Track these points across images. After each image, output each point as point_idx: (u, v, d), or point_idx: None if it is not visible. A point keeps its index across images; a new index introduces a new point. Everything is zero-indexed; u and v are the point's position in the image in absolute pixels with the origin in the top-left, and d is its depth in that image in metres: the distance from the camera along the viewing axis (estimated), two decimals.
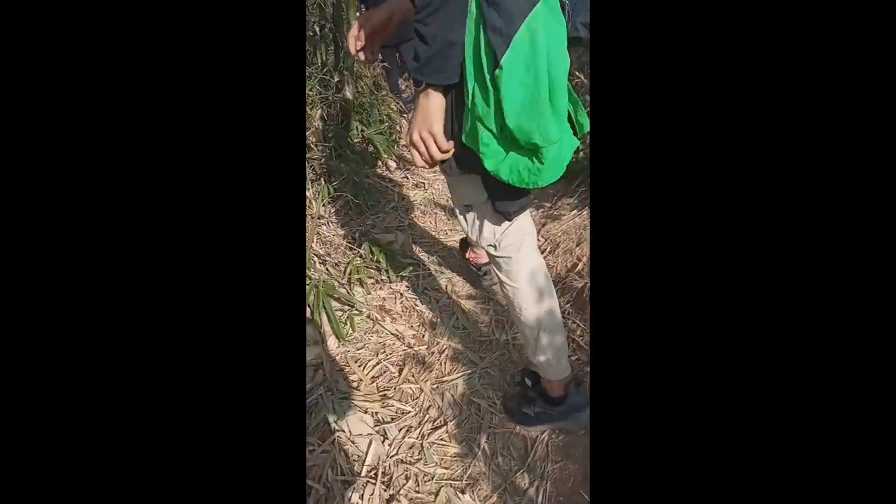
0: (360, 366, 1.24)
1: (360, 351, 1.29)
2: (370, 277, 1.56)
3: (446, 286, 1.56)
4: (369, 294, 1.51)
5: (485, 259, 1.48)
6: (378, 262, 1.60)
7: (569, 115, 0.69)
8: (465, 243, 1.51)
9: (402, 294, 1.52)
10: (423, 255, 1.69)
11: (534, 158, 0.66)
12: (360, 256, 1.61)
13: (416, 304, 1.49)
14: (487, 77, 0.61)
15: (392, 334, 1.36)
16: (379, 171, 2.14)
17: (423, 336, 1.37)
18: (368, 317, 1.41)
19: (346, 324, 1.34)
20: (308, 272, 1.40)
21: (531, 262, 0.85)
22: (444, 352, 1.31)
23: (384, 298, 1.50)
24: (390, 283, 1.56)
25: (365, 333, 1.35)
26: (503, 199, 0.76)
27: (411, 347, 1.32)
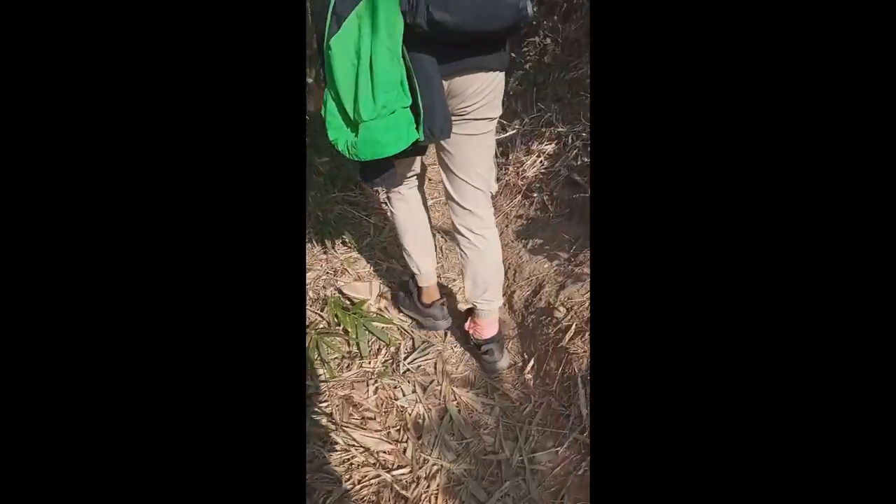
0: None
1: (311, 481, 0.90)
2: (334, 352, 1.16)
3: (436, 365, 1.18)
4: (333, 377, 1.11)
5: (488, 334, 1.11)
6: (346, 330, 1.20)
7: (416, 111, 0.76)
8: (470, 311, 1.15)
9: (375, 378, 1.13)
10: (406, 319, 1.30)
11: (355, 133, 0.76)
12: (323, 320, 1.21)
13: (394, 395, 1.10)
14: (326, 54, 0.73)
15: (360, 447, 0.97)
16: (350, 195, 1.72)
17: (405, 451, 0.98)
18: (330, 418, 1.02)
19: None
20: None
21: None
22: (433, 477, 0.94)
23: (352, 385, 1.11)
24: (361, 360, 1.17)
25: (324, 446, 0.96)
26: (364, 170, 0.88)
27: (387, 471, 0.94)
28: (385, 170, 0.86)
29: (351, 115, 0.74)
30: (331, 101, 0.76)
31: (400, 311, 1.30)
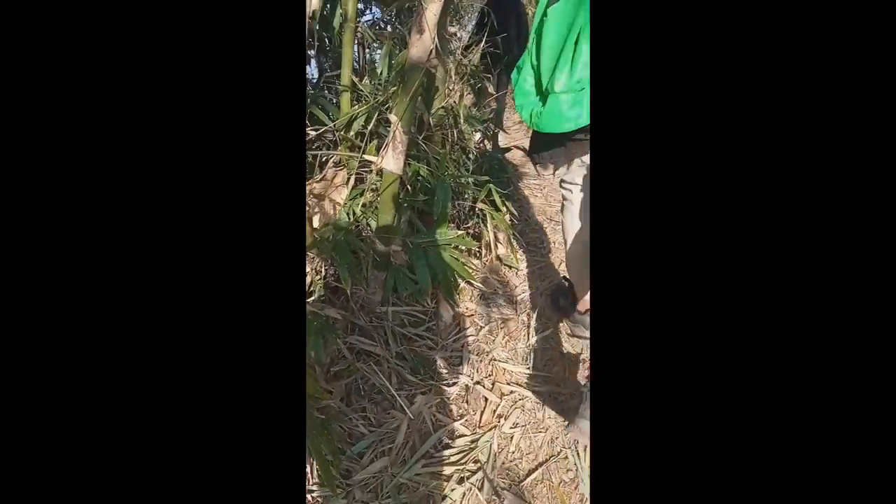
0: None
1: None
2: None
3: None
4: None
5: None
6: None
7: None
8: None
9: None
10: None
11: (543, 103, 0.79)
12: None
13: None
14: (538, 21, 0.77)
15: None
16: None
17: None
18: None
19: None
20: None
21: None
22: None
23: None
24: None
25: None
26: (534, 144, 0.94)
27: None
28: (555, 146, 0.86)
29: (544, 85, 0.76)
30: (528, 66, 0.79)
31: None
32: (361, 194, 1.45)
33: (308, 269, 1.33)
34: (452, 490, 1.14)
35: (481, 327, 1.55)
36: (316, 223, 1.37)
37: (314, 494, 1.06)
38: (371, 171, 1.45)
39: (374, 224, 1.43)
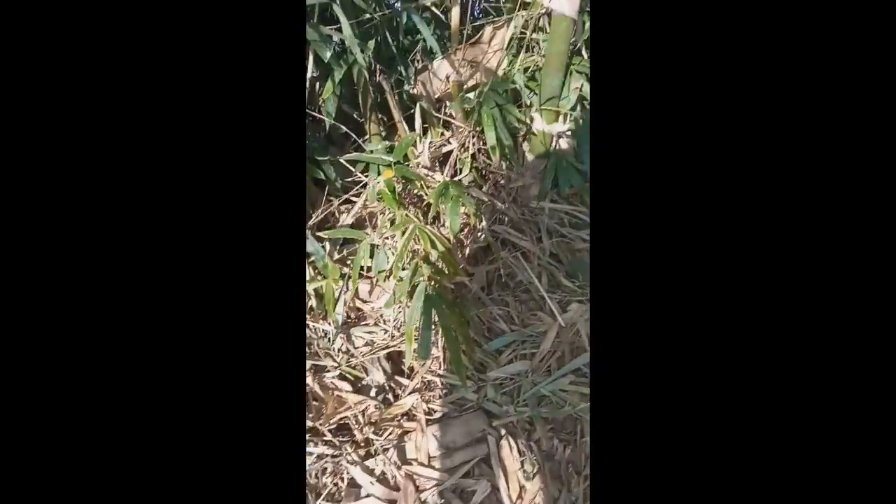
0: None
1: None
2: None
3: None
4: None
5: None
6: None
7: None
8: None
9: None
10: None
11: None
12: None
13: None
14: None
15: None
16: None
17: None
18: None
19: None
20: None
21: None
22: None
23: None
24: None
25: None
26: None
27: None
28: None
29: None
30: None
31: None
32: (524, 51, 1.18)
33: (454, 144, 1.16)
34: None
35: None
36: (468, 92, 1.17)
37: (441, 381, 0.94)
38: (539, 28, 1.16)
39: (536, 96, 1.16)
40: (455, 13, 1.15)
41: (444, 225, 1.04)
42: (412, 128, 1.19)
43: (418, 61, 1.24)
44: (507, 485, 0.81)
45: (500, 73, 1.19)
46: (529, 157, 1.25)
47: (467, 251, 1.08)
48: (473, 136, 1.18)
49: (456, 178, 1.16)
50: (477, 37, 1.21)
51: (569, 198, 1.26)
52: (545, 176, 1.22)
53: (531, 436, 0.87)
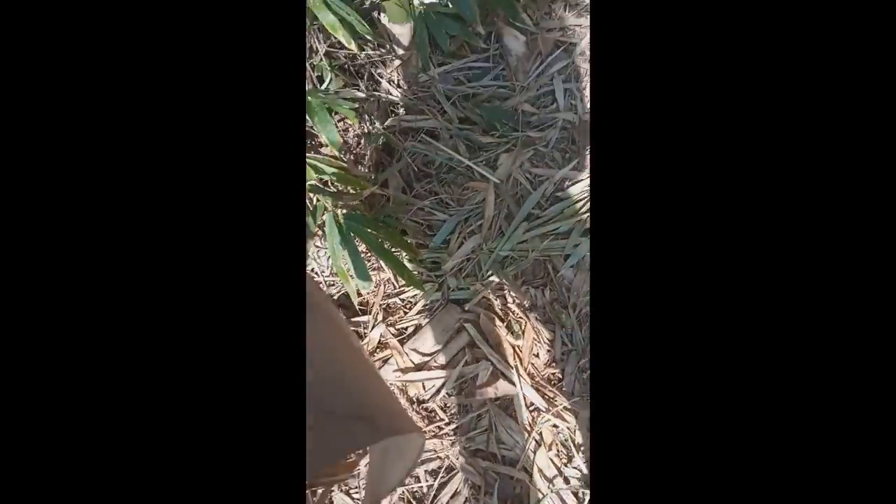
0: None
1: None
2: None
3: None
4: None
5: None
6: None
7: None
8: None
9: None
10: None
11: None
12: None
13: None
14: None
15: None
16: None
17: None
18: None
19: None
20: None
21: None
22: None
23: None
24: None
25: None
26: None
27: None
28: None
29: None
30: None
31: None
32: None
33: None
34: (577, 245, 0.82)
35: (573, 45, 1.04)
36: None
37: (405, 295, 0.87)
38: None
39: None
40: None
41: (325, 145, 0.92)
42: None
43: None
44: (503, 355, 0.77)
45: None
46: (394, 28, 1.08)
47: (367, 160, 0.96)
48: (320, 32, 1.00)
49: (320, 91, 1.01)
50: None
51: (456, 51, 1.10)
52: (418, 40, 1.06)
53: (506, 299, 0.82)
